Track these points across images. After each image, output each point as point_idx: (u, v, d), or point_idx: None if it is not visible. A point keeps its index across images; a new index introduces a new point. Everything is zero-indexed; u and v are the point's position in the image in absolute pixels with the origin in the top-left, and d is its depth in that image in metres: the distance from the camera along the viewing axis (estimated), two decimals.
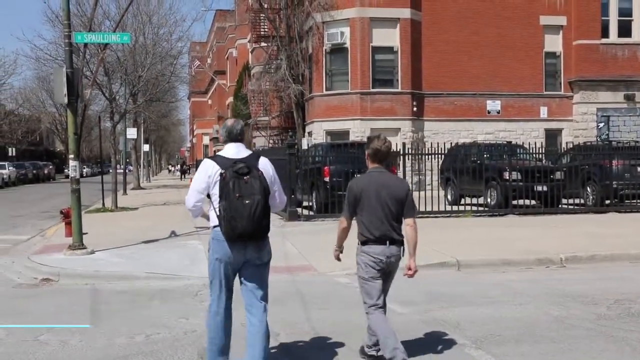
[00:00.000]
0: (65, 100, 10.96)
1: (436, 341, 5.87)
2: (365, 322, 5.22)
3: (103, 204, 20.90)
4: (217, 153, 5.09)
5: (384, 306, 5.13)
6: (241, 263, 4.76)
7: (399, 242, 5.09)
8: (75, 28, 16.95)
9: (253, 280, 4.85)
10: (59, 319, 6.91)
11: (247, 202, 4.56)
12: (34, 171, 51.40)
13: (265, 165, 4.85)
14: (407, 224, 5.10)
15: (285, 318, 6.69)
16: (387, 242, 5.03)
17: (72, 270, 9.64)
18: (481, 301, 7.51)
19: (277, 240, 12.11)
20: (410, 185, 5.38)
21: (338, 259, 5.32)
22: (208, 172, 4.78)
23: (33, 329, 6.49)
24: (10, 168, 44.57)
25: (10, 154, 58.84)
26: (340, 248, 5.31)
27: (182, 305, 7.44)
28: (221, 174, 4.68)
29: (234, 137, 4.92)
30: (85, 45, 13.93)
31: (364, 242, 5.10)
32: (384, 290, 5.18)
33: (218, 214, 4.67)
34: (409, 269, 5.14)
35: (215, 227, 4.74)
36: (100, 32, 19.15)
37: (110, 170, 24.15)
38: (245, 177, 4.63)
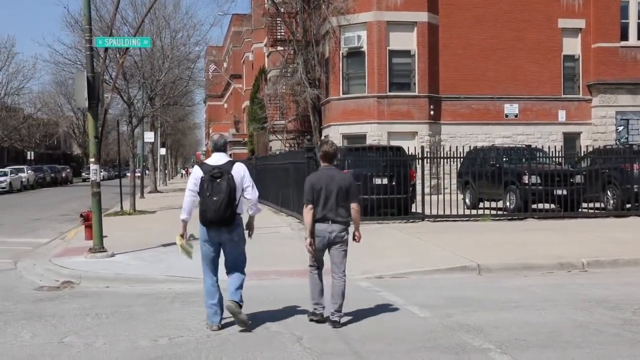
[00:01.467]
0: (86, 104, 11.05)
1: (460, 345, 5.83)
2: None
3: (121, 207, 21.01)
4: (204, 161, 6.60)
5: (321, 267, 6.62)
6: (218, 243, 6.44)
7: (341, 222, 6.40)
8: (94, 33, 17.05)
9: (231, 254, 6.49)
10: (81, 322, 6.95)
11: (215, 199, 6.17)
12: (52, 174, 51.86)
13: (238, 170, 6.36)
14: (352, 208, 6.49)
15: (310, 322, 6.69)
16: (330, 222, 6.38)
17: (93, 273, 9.70)
18: (503, 306, 7.45)
19: (294, 243, 12.10)
20: (353, 179, 6.70)
21: (311, 246, 6.44)
22: (195, 176, 6.39)
23: (57, 332, 6.54)
24: (29, 171, 45.03)
25: (28, 157, 59.40)
26: (312, 236, 6.42)
27: (204, 308, 7.40)
28: (201, 178, 6.27)
29: (217, 148, 6.52)
30: (106, 50, 14.02)
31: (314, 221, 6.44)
32: (336, 259, 6.52)
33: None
34: (354, 236, 6.57)
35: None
36: (120, 36, 19.30)
37: (128, 174, 24.27)
38: (217, 180, 6.19)
